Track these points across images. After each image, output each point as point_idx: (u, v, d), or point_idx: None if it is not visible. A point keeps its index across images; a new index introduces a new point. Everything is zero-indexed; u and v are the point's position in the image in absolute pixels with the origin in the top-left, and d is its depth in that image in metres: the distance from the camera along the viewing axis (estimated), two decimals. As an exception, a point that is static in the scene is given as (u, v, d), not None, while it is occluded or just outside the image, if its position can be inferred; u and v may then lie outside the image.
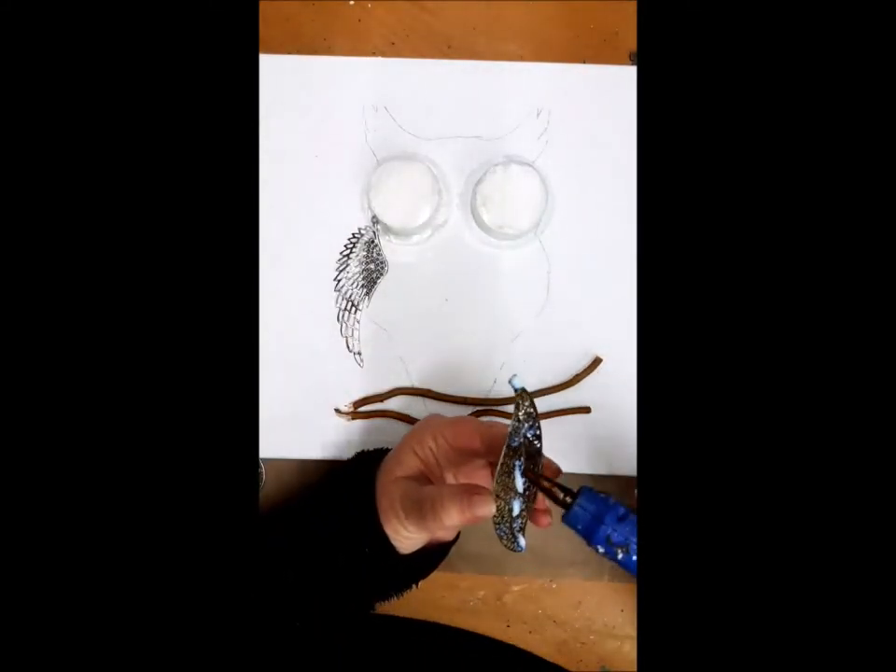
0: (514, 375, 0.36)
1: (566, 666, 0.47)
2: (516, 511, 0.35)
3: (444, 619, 0.47)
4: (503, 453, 0.35)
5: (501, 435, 0.37)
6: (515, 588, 0.47)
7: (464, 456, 0.40)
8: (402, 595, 0.42)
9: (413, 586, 0.42)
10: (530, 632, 0.47)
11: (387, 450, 0.43)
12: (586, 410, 0.48)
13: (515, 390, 0.36)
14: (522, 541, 0.36)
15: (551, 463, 0.39)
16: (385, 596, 0.42)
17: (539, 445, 0.37)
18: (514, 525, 0.36)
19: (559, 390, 0.48)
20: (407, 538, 0.38)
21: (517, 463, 0.35)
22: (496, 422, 0.41)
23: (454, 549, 0.43)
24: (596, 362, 0.48)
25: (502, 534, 0.36)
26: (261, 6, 0.48)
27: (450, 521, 0.35)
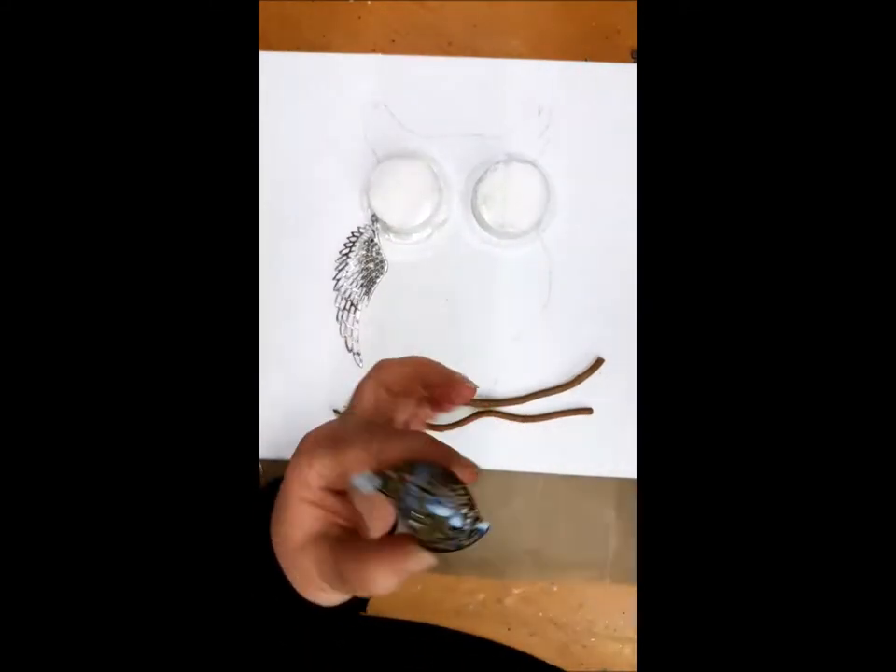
0: (356, 480, 0.29)
1: (567, 669, 0.46)
2: (458, 522, 0.29)
3: (444, 622, 0.47)
4: (400, 519, 0.30)
5: (371, 411, 0.31)
6: (516, 591, 0.47)
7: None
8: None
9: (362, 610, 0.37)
10: (531, 635, 0.47)
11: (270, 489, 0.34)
12: (588, 411, 0.47)
13: (372, 489, 0.30)
14: (483, 525, 0.30)
15: (464, 465, 0.30)
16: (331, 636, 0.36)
17: (430, 473, 0.30)
18: (467, 528, 0.30)
19: (560, 391, 0.47)
20: (338, 601, 0.32)
21: (426, 504, 0.29)
22: (359, 404, 0.33)
23: (453, 553, 0.43)
24: (598, 363, 0.47)
25: (461, 543, 0.30)
26: (261, 3, 0.48)
27: (385, 587, 0.29)
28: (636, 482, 0.45)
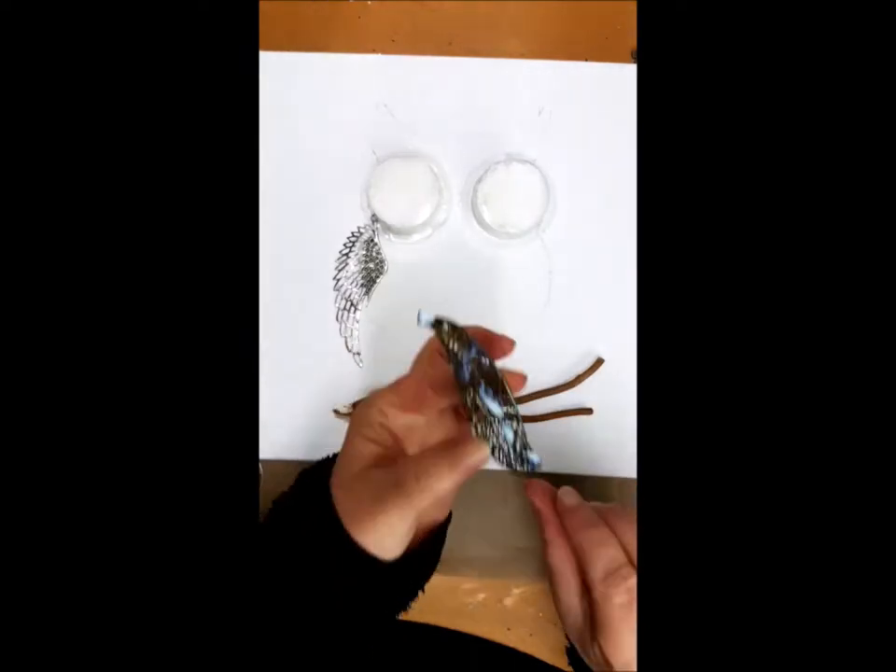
0: (419, 310, 0.32)
1: (567, 669, 0.46)
2: (510, 435, 0.32)
3: (444, 622, 0.47)
4: (459, 391, 0.32)
5: (445, 368, 0.33)
6: (516, 591, 0.47)
7: (423, 414, 0.36)
8: (411, 603, 0.39)
9: (420, 592, 0.39)
10: (531, 635, 0.47)
11: (330, 458, 0.39)
12: (588, 411, 0.47)
13: (431, 326, 0.32)
14: (534, 457, 0.32)
15: (513, 373, 0.34)
16: (393, 610, 0.38)
17: (487, 360, 0.32)
18: (518, 448, 0.32)
19: (560, 391, 0.47)
20: (391, 535, 0.33)
21: (480, 390, 0.32)
22: (431, 353, 0.35)
23: (455, 550, 0.42)
24: (598, 363, 0.47)
25: (511, 462, 0.32)
26: (261, 3, 0.48)
27: (441, 484, 0.31)
28: (636, 482, 0.45)
